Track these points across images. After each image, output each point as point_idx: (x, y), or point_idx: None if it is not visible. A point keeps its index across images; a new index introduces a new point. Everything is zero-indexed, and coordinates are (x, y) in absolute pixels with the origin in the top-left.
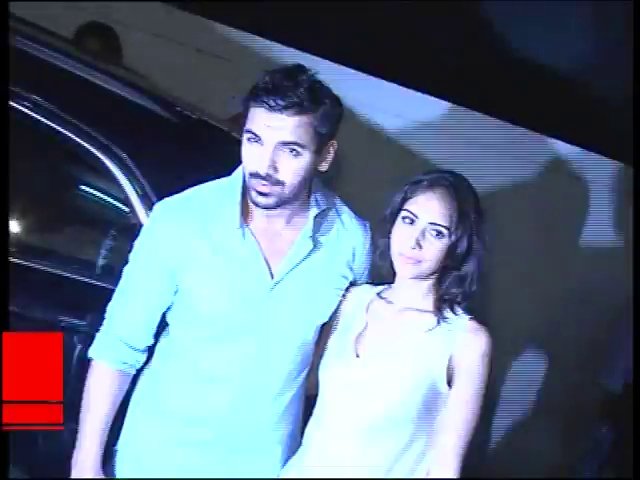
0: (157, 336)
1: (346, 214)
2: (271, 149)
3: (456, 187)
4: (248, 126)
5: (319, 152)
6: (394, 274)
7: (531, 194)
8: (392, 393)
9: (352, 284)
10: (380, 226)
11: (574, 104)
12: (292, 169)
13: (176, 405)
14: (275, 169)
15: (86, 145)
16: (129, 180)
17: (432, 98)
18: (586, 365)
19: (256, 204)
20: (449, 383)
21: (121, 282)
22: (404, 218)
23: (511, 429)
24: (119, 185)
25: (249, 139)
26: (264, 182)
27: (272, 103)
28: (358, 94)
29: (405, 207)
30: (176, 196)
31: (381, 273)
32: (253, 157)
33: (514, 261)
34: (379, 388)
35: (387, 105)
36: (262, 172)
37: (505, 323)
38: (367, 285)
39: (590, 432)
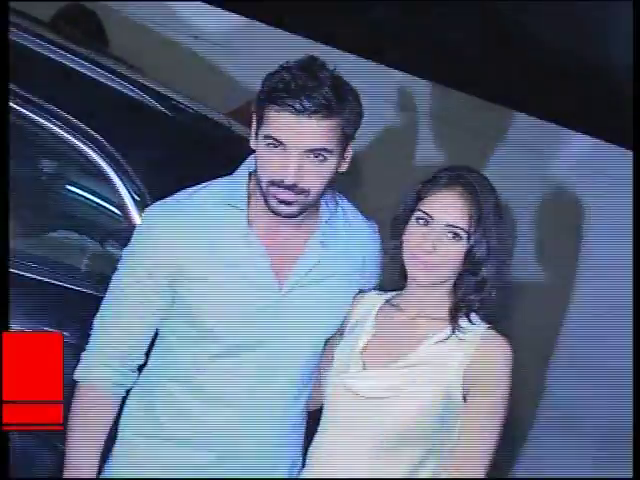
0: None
1: (353, 215)
2: (297, 156)
3: (475, 186)
4: (268, 131)
5: (343, 154)
6: (405, 279)
7: (552, 191)
8: (403, 408)
9: (360, 291)
10: (391, 227)
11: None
12: (318, 176)
13: (175, 427)
14: (301, 177)
15: (74, 141)
16: (121, 180)
17: (443, 89)
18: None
19: (277, 213)
20: (464, 397)
21: (109, 294)
22: (418, 219)
23: (541, 457)
24: (111, 185)
25: (269, 144)
26: (288, 191)
27: (298, 106)
28: (367, 85)
29: (419, 207)
30: (172, 198)
31: (391, 278)
32: (275, 165)
33: (536, 265)
34: (389, 403)
35: (395, 96)
36: (288, 182)
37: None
38: (374, 292)
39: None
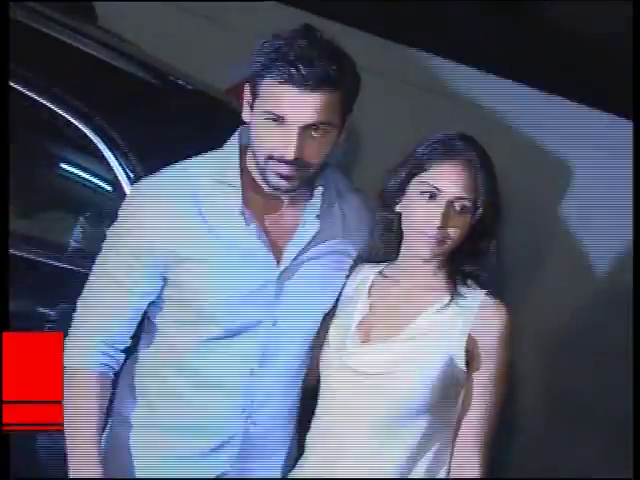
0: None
1: (345, 186)
2: (298, 131)
3: (475, 155)
4: (268, 106)
5: (343, 126)
6: (398, 250)
7: (550, 162)
8: (406, 381)
9: (354, 266)
10: (384, 198)
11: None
12: (319, 150)
13: (172, 415)
14: (302, 151)
15: (66, 116)
16: (115, 156)
17: (447, 62)
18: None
19: (277, 188)
20: (467, 365)
21: (93, 276)
22: (423, 192)
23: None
24: (104, 162)
25: (268, 118)
26: (289, 166)
27: (300, 78)
28: (370, 58)
29: (424, 179)
30: (160, 173)
31: (385, 251)
32: (275, 140)
33: (542, 251)
34: (391, 377)
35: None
36: (289, 157)
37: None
38: (366, 264)
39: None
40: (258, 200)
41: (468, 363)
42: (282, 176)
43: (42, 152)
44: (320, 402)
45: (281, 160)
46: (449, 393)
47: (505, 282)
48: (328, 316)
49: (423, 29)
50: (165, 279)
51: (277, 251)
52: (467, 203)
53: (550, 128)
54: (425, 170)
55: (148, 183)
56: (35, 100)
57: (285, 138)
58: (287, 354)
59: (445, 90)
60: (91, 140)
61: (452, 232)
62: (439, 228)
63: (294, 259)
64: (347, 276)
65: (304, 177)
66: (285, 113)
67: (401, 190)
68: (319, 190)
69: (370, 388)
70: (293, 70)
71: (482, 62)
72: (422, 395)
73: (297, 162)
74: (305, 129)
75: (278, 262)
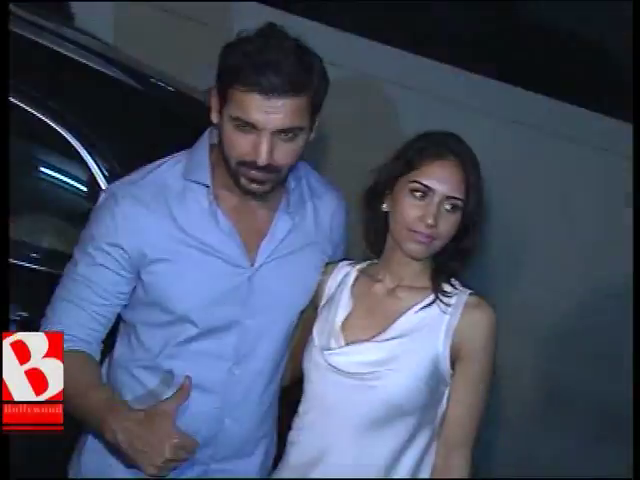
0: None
1: (317, 183)
2: (269, 137)
3: (463, 154)
4: (236, 113)
5: (312, 126)
6: (381, 250)
7: (551, 167)
8: (392, 380)
9: (329, 262)
10: (370, 196)
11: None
12: (290, 153)
13: None
14: (273, 157)
15: (43, 118)
16: (93, 158)
17: (432, 63)
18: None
19: (248, 192)
20: (452, 364)
21: (65, 277)
22: (414, 191)
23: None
24: (82, 163)
25: (237, 125)
26: (261, 171)
27: (267, 85)
28: (355, 60)
29: (416, 178)
30: (131, 175)
31: (368, 249)
32: (246, 146)
33: (533, 244)
34: (376, 378)
35: (384, 71)
36: (261, 163)
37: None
38: (345, 262)
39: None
40: (230, 199)
41: (453, 362)
42: (254, 180)
43: (17, 153)
44: (304, 401)
45: (252, 166)
46: (435, 392)
47: (496, 281)
48: (307, 312)
49: (401, 27)
50: (137, 280)
51: (250, 249)
52: (457, 202)
53: (536, 127)
54: (416, 169)
55: (119, 185)
56: (12, 103)
57: (255, 145)
58: (263, 352)
59: (430, 90)
60: (68, 142)
61: (442, 231)
62: (430, 227)
63: (268, 256)
64: (325, 274)
65: (276, 181)
66: (254, 120)
67: (389, 189)
68: (291, 186)
69: (356, 388)
70: (260, 78)
71: (458, 60)
72: (408, 394)
73: (268, 167)
74: (275, 134)
75: (251, 261)
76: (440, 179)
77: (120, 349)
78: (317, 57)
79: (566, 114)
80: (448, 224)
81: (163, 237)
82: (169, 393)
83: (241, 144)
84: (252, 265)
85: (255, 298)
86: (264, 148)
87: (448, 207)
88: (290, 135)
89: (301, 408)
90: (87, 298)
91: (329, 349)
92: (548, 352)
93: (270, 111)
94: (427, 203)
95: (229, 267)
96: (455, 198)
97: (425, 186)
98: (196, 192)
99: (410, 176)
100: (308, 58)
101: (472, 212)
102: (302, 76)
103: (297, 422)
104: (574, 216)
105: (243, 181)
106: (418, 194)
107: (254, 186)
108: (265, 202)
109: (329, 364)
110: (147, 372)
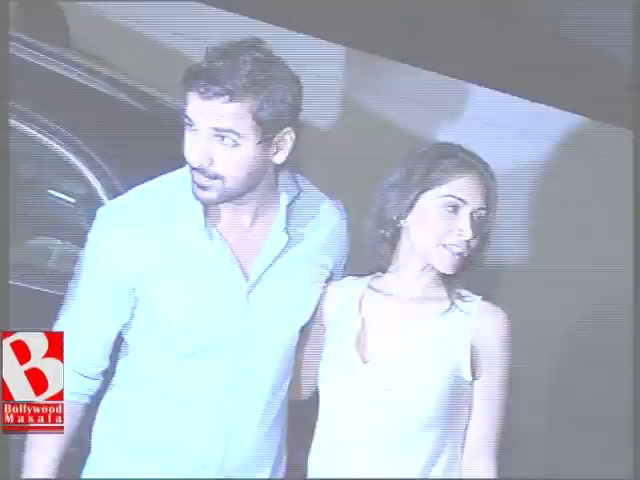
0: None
1: (317, 197)
2: (204, 137)
3: (484, 164)
4: (185, 112)
5: (267, 142)
6: (388, 263)
7: (550, 173)
8: (414, 394)
9: (330, 278)
10: (385, 216)
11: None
12: (230, 162)
13: (149, 439)
14: (210, 161)
15: (47, 141)
16: (98, 179)
17: (425, 72)
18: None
19: (197, 198)
20: (473, 373)
21: (66, 300)
22: (446, 205)
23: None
24: (88, 185)
25: (186, 124)
26: (202, 175)
27: (202, 89)
28: (348, 72)
29: (447, 193)
30: (123, 196)
31: (375, 263)
32: (189, 147)
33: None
34: (398, 392)
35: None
36: (193, 163)
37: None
38: (350, 278)
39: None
40: (223, 215)
41: (473, 371)
42: (198, 185)
43: (27, 179)
44: (324, 422)
45: (198, 170)
46: (457, 402)
47: (507, 286)
48: (316, 330)
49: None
50: (135, 299)
51: (245, 265)
52: (483, 212)
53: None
54: (444, 183)
55: (114, 205)
56: (15, 126)
57: (194, 143)
58: (263, 369)
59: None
60: (73, 164)
61: (473, 243)
62: (467, 241)
63: (263, 273)
64: (329, 291)
65: (223, 190)
66: (193, 118)
67: (412, 205)
68: (285, 202)
69: (378, 405)
70: (197, 80)
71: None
72: (431, 406)
73: (207, 172)
74: (211, 135)
75: (246, 276)
76: (472, 189)
77: (121, 366)
78: (284, 77)
79: (565, 121)
80: (477, 235)
81: (157, 256)
82: (171, 412)
83: (187, 146)
84: (247, 282)
85: (253, 314)
86: (199, 145)
87: (475, 218)
88: (228, 140)
89: (320, 429)
90: (87, 323)
91: (348, 371)
92: (561, 364)
93: (204, 110)
94: (462, 216)
95: (224, 284)
96: (483, 209)
97: (460, 199)
98: (189, 207)
99: (437, 191)
100: (262, 74)
101: (488, 223)
102: (242, 87)
103: (317, 443)
104: (579, 225)
105: (193, 187)
106: (450, 208)
107: (199, 191)
108: (260, 219)
109: (349, 385)
110: (147, 392)
